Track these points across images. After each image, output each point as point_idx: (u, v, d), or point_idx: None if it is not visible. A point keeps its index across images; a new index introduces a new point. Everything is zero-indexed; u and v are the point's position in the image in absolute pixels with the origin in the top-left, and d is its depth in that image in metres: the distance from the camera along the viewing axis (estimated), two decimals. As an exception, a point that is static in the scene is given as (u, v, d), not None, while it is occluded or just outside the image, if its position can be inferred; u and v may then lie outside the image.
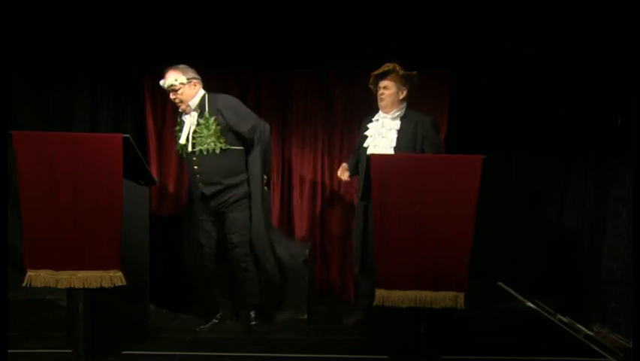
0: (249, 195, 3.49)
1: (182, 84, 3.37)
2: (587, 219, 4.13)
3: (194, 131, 3.40)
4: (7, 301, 3.18)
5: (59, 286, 2.86)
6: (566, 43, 4.12)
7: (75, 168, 2.82)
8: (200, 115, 3.41)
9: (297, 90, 4.48)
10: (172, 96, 3.43)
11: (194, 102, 3.43)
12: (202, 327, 3.51)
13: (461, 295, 2.83)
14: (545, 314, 3.95)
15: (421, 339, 2.94)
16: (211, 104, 3.43)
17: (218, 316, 3.60)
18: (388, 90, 3.53)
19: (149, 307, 3.36)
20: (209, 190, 3.44)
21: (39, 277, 2.84)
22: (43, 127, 4.19)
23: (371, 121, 3.66)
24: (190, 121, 3.44)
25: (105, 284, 2.87)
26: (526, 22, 4.14)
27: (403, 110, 3.58)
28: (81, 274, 2.86)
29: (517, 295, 4.30)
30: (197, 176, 3.44)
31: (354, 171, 3.79)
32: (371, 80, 3.60)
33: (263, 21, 4.24)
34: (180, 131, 3.49)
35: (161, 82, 3.42)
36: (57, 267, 2.85)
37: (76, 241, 2.85)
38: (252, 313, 3.56)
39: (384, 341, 3.18)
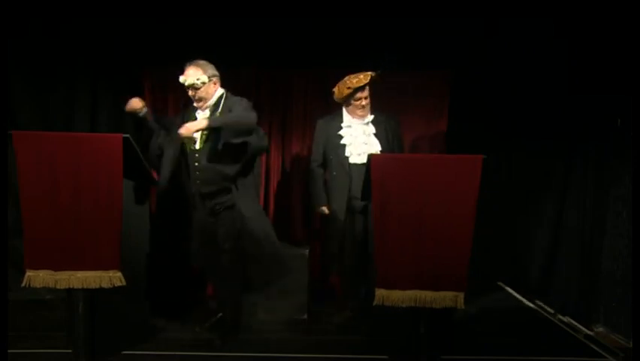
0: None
1: (204, 83, 3.27)
2: (587, 219, 4.11)
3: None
4: (7, 301, 3.18)
5: (58, 287, 2.87)
6: (566, 43, 4.11)
7: (75, 168, 2.82)
8: (212, 114, 3.34)
9: (297, 90, 4.48)
10: (191, 93, 3.31)
11: (212, 101, 3.36)
12: (202, 327, 3.50)
13: (461, 295, 2.83)
14: (545, 314, 3.95)
15: (421, 339, 2.94)
16: (225, 104, 3.38)
17: (218, 316, 3.59)
18: (368, 99, 3.59)
19: (149, 307, 3.35)
20: (206, 189, 3.41)
21: (38, 278, 2.85)
22: (43, 127, 4.18)
23: (341, 128, 3.66)
24: (202, 117, 3.35)
25: (104, 284, 2.87)
26: (526, 22, 4.14)
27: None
28: (80, 274, 2.86)
29: (517, 295, 4.31)
30: (197, 173, 3.40)
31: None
32: (348, 91, 3.56)
33: (263, 21, 4.24)
34: None
35: (181, 79, 3.28)
36: (56, 267, 2.85)
37: (76, 241, 2.85)
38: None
39: (384, 341, 3.18)
